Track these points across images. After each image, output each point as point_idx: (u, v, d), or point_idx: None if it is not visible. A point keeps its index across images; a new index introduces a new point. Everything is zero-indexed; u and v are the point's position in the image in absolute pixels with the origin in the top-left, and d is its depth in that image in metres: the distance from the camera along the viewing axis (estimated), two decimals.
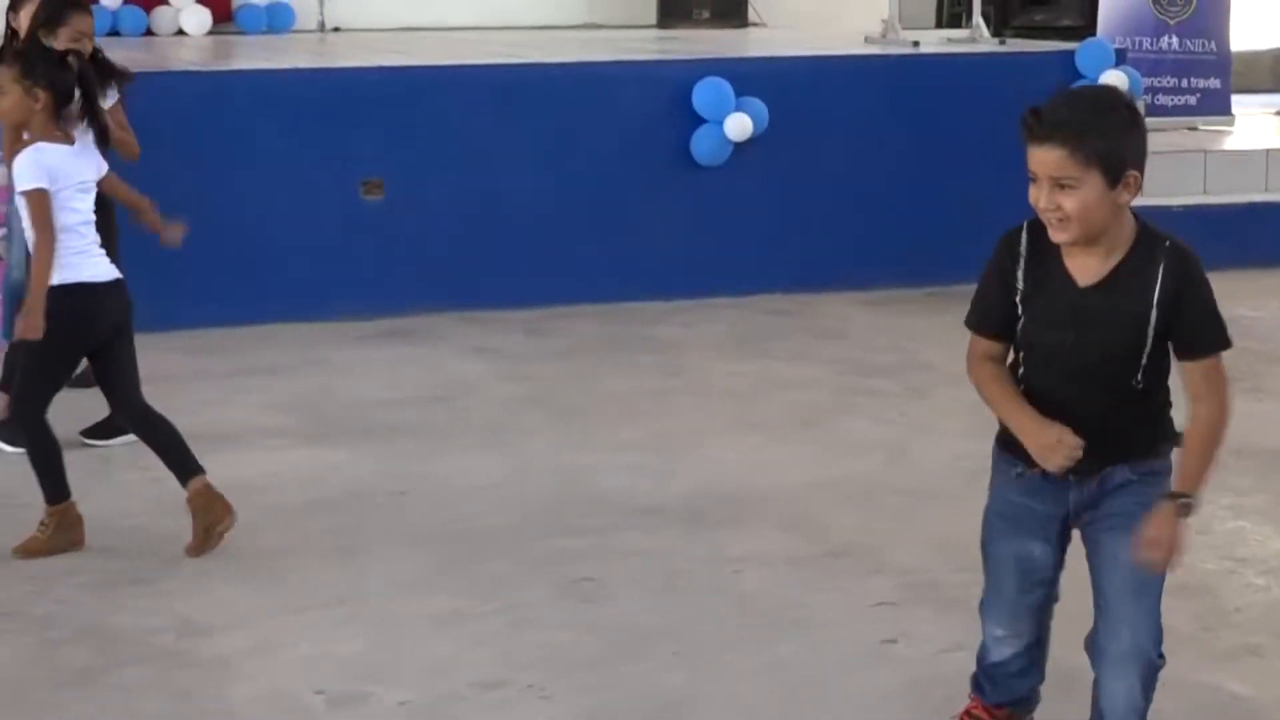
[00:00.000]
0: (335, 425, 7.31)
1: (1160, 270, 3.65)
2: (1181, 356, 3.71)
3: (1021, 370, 3.85)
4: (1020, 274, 3.77)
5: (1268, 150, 11.68)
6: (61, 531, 5.78)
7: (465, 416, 7.51)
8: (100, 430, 6.92)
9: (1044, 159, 3.56)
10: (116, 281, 5.86)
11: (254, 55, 11.24)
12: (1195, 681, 4.54)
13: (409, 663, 4.90)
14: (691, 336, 9.02)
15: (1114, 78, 10.35)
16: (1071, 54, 10.64)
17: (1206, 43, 12.80)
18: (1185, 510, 3.72)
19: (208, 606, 5.32)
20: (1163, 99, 12.49)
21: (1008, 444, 3.89)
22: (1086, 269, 3.69)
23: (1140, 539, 3.69)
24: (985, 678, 4.16)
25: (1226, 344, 3.71)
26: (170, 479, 6.42)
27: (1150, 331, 3.66)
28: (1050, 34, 12.77)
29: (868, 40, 11.42)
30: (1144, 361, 3.70)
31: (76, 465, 6.02)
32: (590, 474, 6.64)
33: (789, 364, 8.41)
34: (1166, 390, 3.80)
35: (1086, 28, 12.73)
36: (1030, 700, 4.21)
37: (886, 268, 9.79)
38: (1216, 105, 12.96)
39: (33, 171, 5.67)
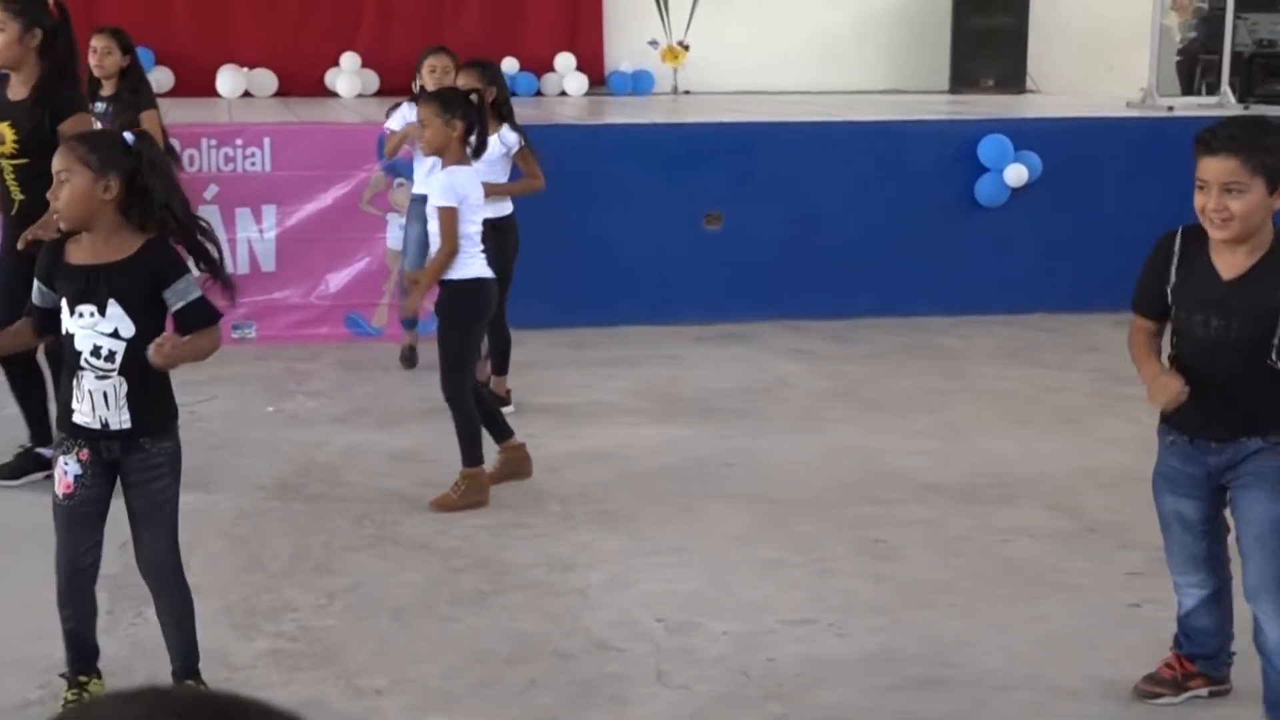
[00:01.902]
0: (680, 407, 7.34)
1: None
2: None
3: (1174, 352, 3.87)
4: (1173, 269, 3.81)
5: None
6: (473, 491, 5.79)
7: (783, 405, 7.47)
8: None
9: (1217, 168, 3.59)
10: (492, 279, 5.93)
11: (621, 112, 11.38)
12: None
13: (733, 600, 4.89)
14: (970, 346, 8.83)
15: None
16: None
17: None
18: None
19: (572, 547, 5.39)
20: None
21: (1164, 418, 3.90)
22: (1231, 265, 3.69)
23: None
24: (1180, 630, 4.13)
25: None
26: (550, 444, 6.56)
27: None
28: None
29: (1129, 105, 11.04)
30: (1275, 341, 3.67)
31: None
32: (884, 455, 6.54)
33: (1053, 372, 8.18)
34: None
35: None
36: (1219, 660, 4.12)
37: None
38: None
39: (448, 193, 5.75)
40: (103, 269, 3.81)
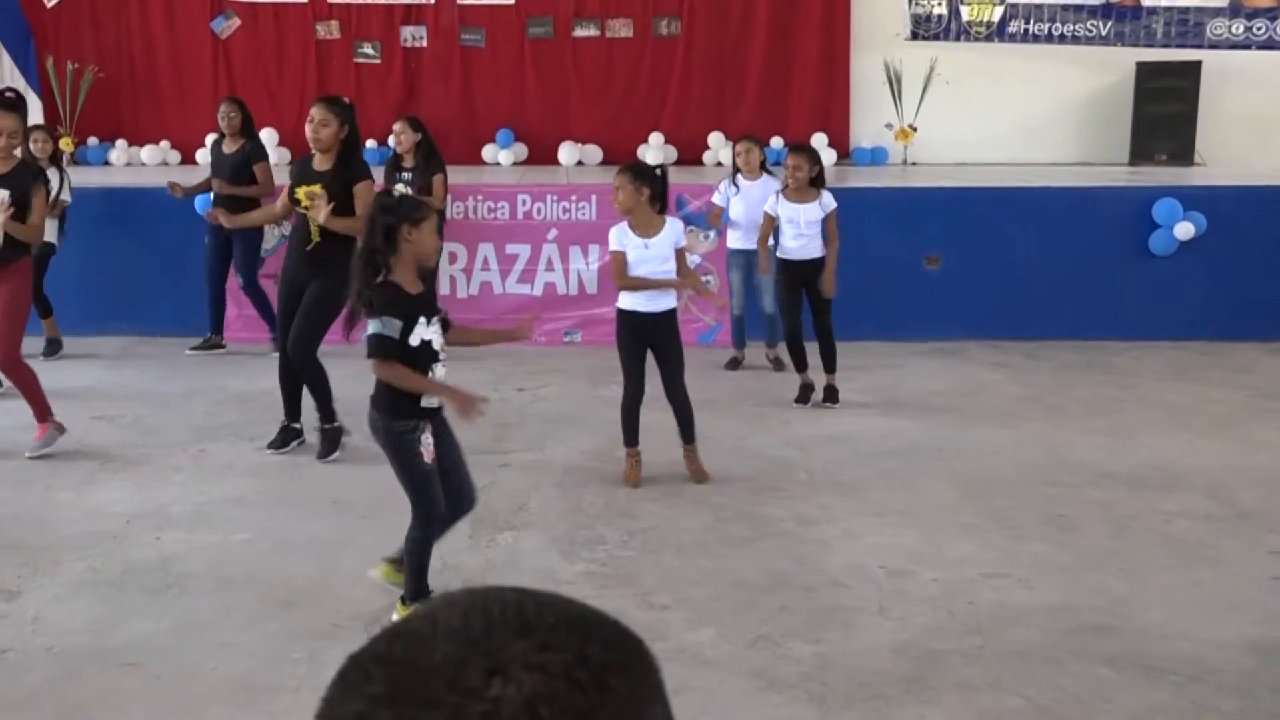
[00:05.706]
0: (901, 404, 7.18)
1: None
2: None
3: None
4: None
5: None
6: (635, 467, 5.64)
7: (984, 406, 7.22)
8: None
9: None
10: None
11: (861, 178, 11.16)
12: None
13: (941, 555, 4.76)
14: (1140, 365, 8.37)
15: None
16: None
17: None
18: None
19: (815, 507, 5.33)
20: None
21: None
22: None
23: None
24: None
25: None
26: (800, 428, 6.46)
27: None
28: None
29: None
30: None
31: (741, 414, 6.12)
32: (1066, 449, 6.26)
33: (1212, 387, 7.69)
34: None
35: None
36: None
37: None
38: None
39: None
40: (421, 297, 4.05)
